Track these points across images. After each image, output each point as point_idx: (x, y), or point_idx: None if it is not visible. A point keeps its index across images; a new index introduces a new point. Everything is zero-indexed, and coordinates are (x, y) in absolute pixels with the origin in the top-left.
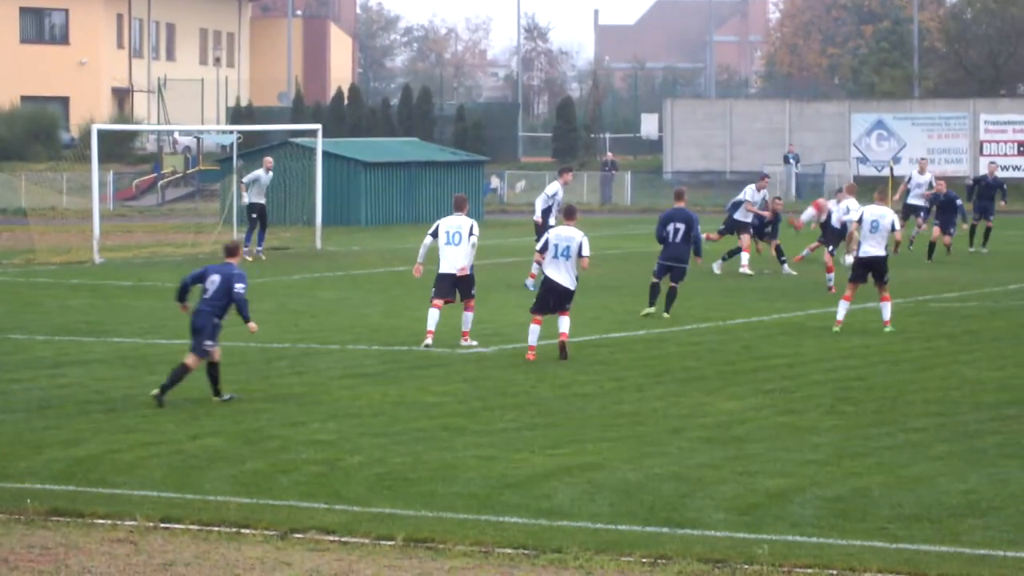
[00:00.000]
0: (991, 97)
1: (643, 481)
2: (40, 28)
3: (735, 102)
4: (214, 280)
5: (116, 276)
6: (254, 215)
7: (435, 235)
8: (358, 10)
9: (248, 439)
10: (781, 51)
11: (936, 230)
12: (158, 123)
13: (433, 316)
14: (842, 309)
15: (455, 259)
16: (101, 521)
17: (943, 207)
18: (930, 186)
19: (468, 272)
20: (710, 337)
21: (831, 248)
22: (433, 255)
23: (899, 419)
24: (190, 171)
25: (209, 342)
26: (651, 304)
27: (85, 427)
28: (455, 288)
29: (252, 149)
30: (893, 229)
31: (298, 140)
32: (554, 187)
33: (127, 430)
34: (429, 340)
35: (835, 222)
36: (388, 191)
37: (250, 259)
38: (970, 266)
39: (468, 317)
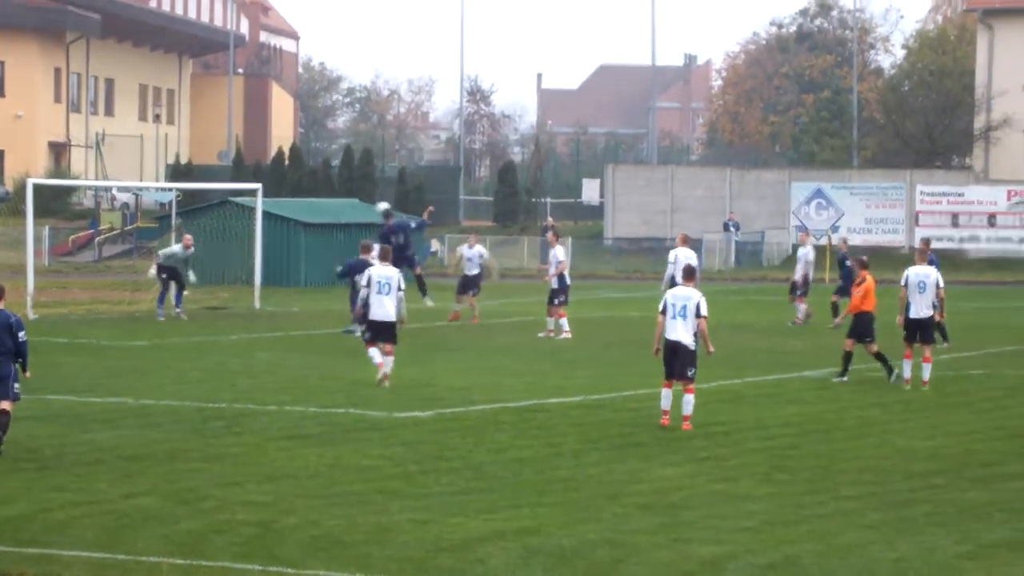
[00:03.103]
0: (927, 168)
1: (578, 546)
2: None
3: (676, 168)
4: None
5: (50, 333)
6: (164, 276)
7: (368, 284)
8: (300, 69)
9: (183, 499)
10: (723, 118)
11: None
12: (96, 179)
13: (377, 354)
14: (906, 368)
15: (386, 307)
16: None
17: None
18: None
19: (391, 319)
20: (647, 404)
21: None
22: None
23: (832, 488)
24: (128, 228)
25: (16, 385)
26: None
27: (16, 485)
28: (387, 333)
29: (191, 207)
30: (938, 286)
31: (238, 199)
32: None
33: (59, 488)
34: (381, 375)
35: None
36: (328, 252)
37: (162, 319)
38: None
39: (390, 361)
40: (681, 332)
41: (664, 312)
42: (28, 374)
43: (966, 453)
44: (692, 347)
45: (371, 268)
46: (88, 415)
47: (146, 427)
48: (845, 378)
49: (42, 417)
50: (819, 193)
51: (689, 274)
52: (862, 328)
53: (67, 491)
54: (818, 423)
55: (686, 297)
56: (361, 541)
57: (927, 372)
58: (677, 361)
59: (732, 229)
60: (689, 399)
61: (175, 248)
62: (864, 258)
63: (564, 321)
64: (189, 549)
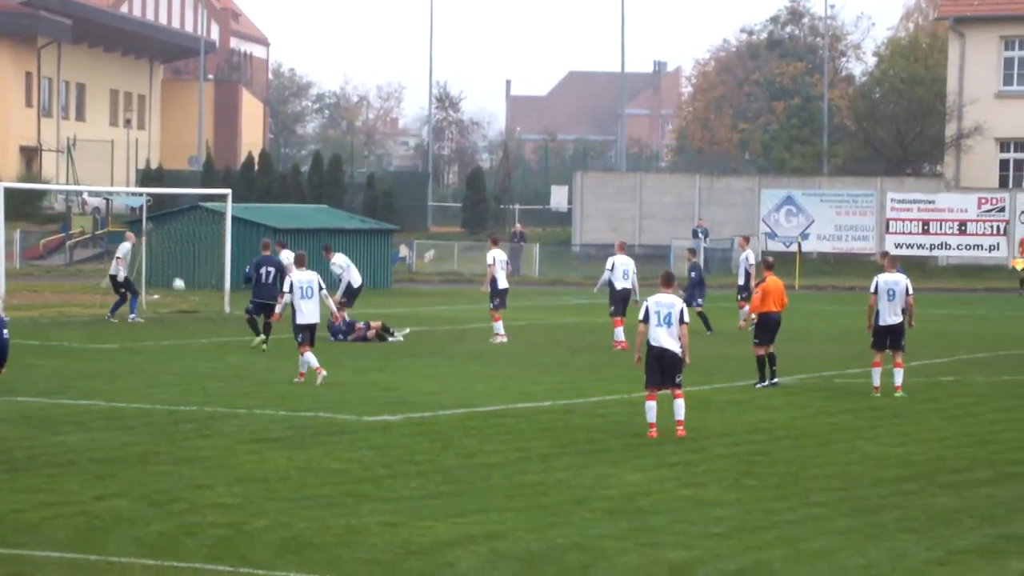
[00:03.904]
0: (897, 176)
1: (546, 551)
2: None
3: (645, 175)
4: None
5: (22, 335)
6: (123, 289)
7: (291, 291)
8: (270, 75)
9: (154, 501)
10: (692, 125)
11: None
12: (67, 183)
13: (312, 359)
14: (875, 375)
15: (311, 310)
16: None
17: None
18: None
19: (317, 320)
20: (616, 409)
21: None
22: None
23: (801, 493)
24: (99, 232)
25: None
26: (260, 335)
27: None
28: (312, 334)
29: (162, 212)
30: (908, 293)
31: (208, 204)
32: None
33: (30, 490)
34: (321, 379)
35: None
36: None
37: (114, 321)
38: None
39: (312, 356)
40: (667, 339)
41: (646, 320)
42: (3, 371)
43: (936, 459)
44: (679, 353)
45: (292, 274)
46: (59, 417)
47: (117, 430)
48: (766, 383)
49: (13, 419)
50: (789, 200)
51: (668, 280)
52: (767, 329)
53: (38, 492)
54: (787, 429)
55: (669, 304)
56: (331, 543)
57: (899, 377)
58: (665, 368)
59: (701, 236)
60: (680, 403)
61: (126, 246)
62: (770, 259)
63: (499, 324)
64: (160, 550)
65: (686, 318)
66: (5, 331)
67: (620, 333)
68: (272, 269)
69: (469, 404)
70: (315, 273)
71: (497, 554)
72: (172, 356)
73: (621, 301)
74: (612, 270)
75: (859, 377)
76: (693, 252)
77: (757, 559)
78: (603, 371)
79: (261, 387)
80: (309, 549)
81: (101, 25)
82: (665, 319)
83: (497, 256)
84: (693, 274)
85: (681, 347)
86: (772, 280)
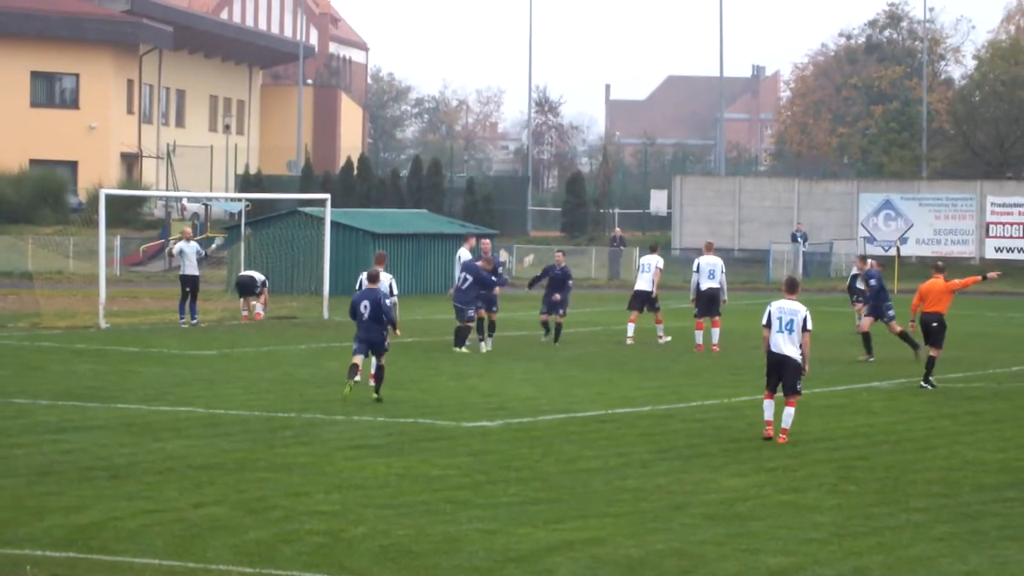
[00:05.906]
0: (998, 179)
1: (645, 557)
2: (51, 92)
3: (744, 179)
4: (367, 305)
5: (121, 342)
6: (187, 288)
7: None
8: (369, 80)
9: (251, 508)
10: (791, 129)
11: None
12: (166, 189)
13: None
14: None
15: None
16: None
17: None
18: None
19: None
20: (715, 414)
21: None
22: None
23: (901, 499)
24: (198, 238)
25: (387, 344)
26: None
27: (87, 493)
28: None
29: (260, 217)
30: None
31: (307, 209)
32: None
33: (130, 497)
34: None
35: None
36: (396, 262)
37: (185, 326)
38: (973, 347)
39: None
40: (787, 346)
41: (768, 325)
42: (398, 332)
43: None
44: (799, 360)
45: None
46: (158, 424)
47: (215, 436)
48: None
49: (113, 426)
50: (888, 204)
51: (792, 287)
52: (923, 329)
53: (138, 500)
54: (887, 434)
55: (792, 311)
56: (429, 551)
57: None
58: (784, 375)
59: (800, 240)
60: (790, 412)
61: (182, 247)
62: (940, 263)
63: (630, 326)
64: (258, 558)
65: (809, 326)
66: (387, 301)
67: (700, 336)
68: (468, 276)
69: (569, 409)
70: (389, 276)
71: (596, 560)
72: (270, 362)
73: (706, 302)
74: (698, 271)
75: (959, 382)
76: (864, 259)
77: (857, 565)
78: (703, 375)
79: (360, 393)
80: (407, 556)
81: (201, 32)
82: (787, 325)
83: (641, 260)
84: (872, 282)
85: (802, 355)
86: (929, 282)
